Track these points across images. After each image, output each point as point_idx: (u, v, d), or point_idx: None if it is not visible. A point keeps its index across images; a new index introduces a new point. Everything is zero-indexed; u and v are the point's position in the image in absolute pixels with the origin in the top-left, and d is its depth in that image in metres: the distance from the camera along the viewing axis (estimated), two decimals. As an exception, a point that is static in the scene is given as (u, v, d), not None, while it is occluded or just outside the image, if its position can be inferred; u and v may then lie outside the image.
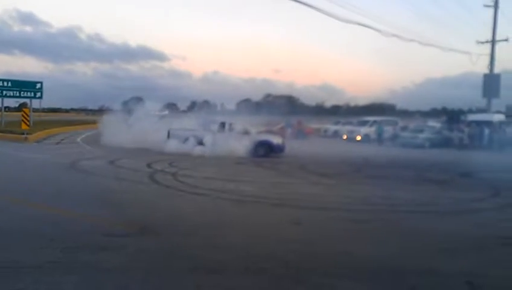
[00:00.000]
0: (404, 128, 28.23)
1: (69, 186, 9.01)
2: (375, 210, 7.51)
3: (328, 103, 57.10)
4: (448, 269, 4.57)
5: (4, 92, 28.14)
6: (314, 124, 32.10)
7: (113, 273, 4.17)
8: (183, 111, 20.96)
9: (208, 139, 16.04)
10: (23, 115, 22.82)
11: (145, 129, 18.11)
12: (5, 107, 31.20)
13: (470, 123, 25.52)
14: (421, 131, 25.28)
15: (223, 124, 16.72)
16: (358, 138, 27.67)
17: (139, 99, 21.92)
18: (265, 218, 6.75)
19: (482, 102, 32.13)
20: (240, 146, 15.69)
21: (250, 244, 5.22)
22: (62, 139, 21.26)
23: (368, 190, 9.50)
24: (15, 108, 43.71)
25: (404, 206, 7.91)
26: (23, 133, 20.78)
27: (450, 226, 6.52)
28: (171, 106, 20.60)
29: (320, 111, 45.60)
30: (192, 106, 20.91)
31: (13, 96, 29.55)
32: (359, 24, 19.76)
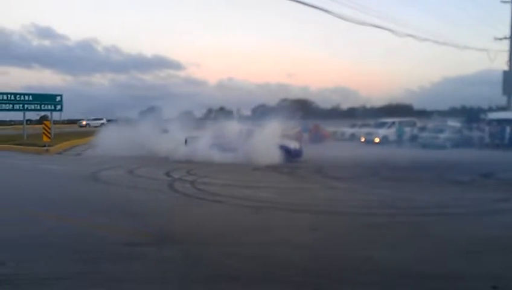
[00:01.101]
0: (422, 129, 27.80)
1: (90, 197, 9.15)
2: (395, 214, 7.41)
3: (344, 106, 56.58)
4: (472, 273, 4.48)
5: (26, 106, 28.85)
6: (330, 128, 31.89)
7: (135, 283, 4.22)
8: (199, 119, 21.02)
9: (225, 146, 16.05)
10: (44, 128, 23.33)
11: (159, 137, 18.23)
12: (27, 120, 31.95)
13: (490, 122, 25.02)
14: (442, 131, 24.84)
15: (240, 131, 16.70)
16: (377, 140, 27.29)
17: (155, 108, 22.13)
18: (284, 224, 6.72)
19: (502, 100, 31.52)
20: (258, 152, 15.57)
21: (270, 252, 5.21)
22: (83, 150, 21.60)
23: (388, 193, 9.39)
24: (36, 121, 44.70)
25: (425, 208, 7.79)
26: (44, 145, 21.23)
27: (473, 228, 6.38)
28: (187, 114, 20.62)
29: (336, 114, 45.29)
30: (209, 113, 20.96)
31: (34, 110, 30.32)
32: (372, 25, 19.71)
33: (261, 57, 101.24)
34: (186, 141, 16.88)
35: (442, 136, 23.99)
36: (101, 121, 34.64)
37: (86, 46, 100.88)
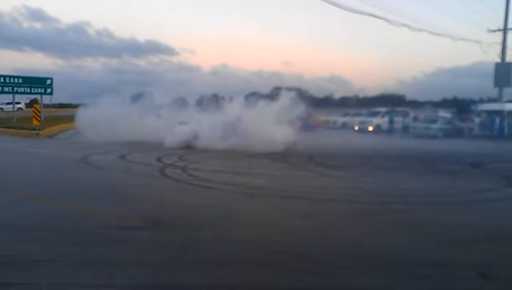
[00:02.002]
0: (415, 119, 28.11)
1: (81, 181, 9.11)
2: (386, 202, 7.48)
3: (337, 95, 56.46)
4: (460, 261, 4.54)
5: (15, 89, 28.51)
6: (322, 116, 31.93)
7: (125, 266, 4.22)
8: (192, 105, 20.73)
9: (218, 132, 15.89)
10: (34, 111, 23.11)
11: (152, 123, 17.98)
12: (16, 103, 31.54)
13: (480, 113, 25.29)
14: (435, 121, 25.16)
15: (236, 117, 16.42)
16: (370, 128, 27.62)
17: (147, 93, 21.88)
18: (276, 211, 6.76)
19: (493, 91, 31.78)
20: (255, 139, 15.25)
21: (261, 237, 5.24)
22: (72, 134, 21.43)
23: (379, 181, 9.46)
24: (26, 104, 44.19)
25: (415, 197, 7.88)
26: (34, 129, 21.04)
27: (461, 217, 6.47)
28: (180, 99, 20.40)
29: (329, 103, 45.27)
30: (201, 100, 20.79)
31: (24, 93, 29.95)
32: (368, 14, 19.64)
33: (255, 44, 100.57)
34: (179, 126, 16.71)
35: (435, 126, 24.29)
36: (18, 106, 33.48)
37: (78, 29, 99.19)
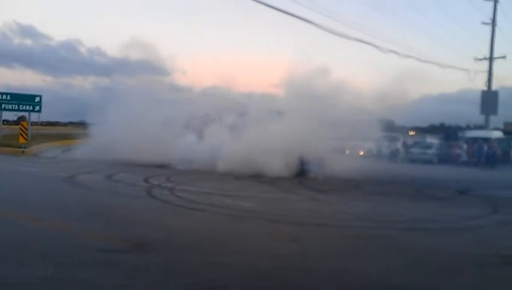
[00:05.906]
0: (404, 144, 28.43)
1: (65, 201, 8.93)
2: (374, 227, 7.43)
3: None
4: (448, 288, 4.49)
5: (3, 105, 28.12)
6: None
7: (108, 290, 4.08)
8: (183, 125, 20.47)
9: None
10: (21, 128, 22.79)
11: (150, 142, 17.60)
12: (3, 120, 31.17)
13: (468, 140, 25.65)
14: (430, 147, 25.65)
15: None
16: (361, 153, 27.64)
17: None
18: (263, 234, 6.66)
19: (480, 119, 32.33)
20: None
21: (248, 262, 5.14)
22: (60, 153, 21.16)
23: (367, 206, 9.43)
24: (13, 121, 43.68)
25: (403, 223, 7.83)
26: (20, 147, 20.74)
27: (449, 244, 6.44)
28: (169, 120, 20.16)
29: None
30: (190, 120, 20.63)
31: (12, 110, 29.50)
32: (357, 40, 19.92)
33: (245, 66, 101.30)
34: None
35: (430, 152, 24.81)
36: None
37: (69, 47, 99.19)
